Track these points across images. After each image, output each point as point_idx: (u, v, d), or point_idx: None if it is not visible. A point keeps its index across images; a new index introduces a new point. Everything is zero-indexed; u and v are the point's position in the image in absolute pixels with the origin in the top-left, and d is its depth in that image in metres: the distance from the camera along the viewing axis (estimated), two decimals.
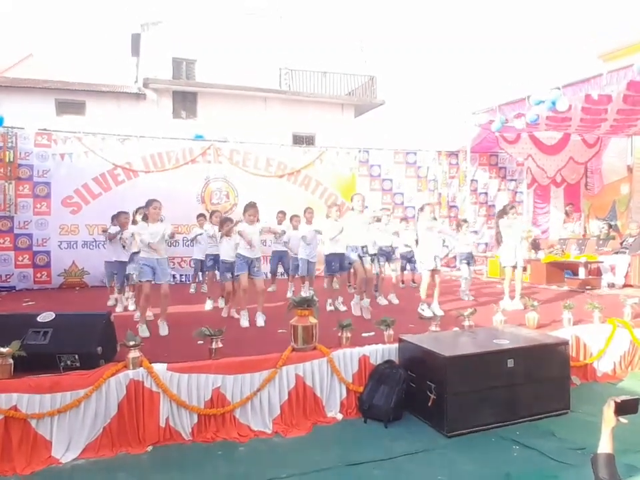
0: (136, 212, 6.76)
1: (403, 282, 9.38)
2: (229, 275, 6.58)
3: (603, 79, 7.86)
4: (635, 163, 12.98)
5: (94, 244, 9.93)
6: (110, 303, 7.58)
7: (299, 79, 20.46)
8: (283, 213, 9.11)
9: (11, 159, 9.42)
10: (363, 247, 6.50)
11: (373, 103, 21.30)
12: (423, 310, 6.42)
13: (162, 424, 3.93)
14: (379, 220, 7.65)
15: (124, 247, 7.09)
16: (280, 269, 9.23)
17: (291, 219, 8.61)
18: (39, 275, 9.70)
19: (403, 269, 9.13)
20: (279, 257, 8.93)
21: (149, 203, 5.72)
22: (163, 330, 5.52)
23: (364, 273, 6.55)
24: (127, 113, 17.84)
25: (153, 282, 5.58)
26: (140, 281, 5.69)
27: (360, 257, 6.46)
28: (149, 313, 6.09)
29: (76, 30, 50.96)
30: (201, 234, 8.25)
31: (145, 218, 5.74)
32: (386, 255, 7.96)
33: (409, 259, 8.76)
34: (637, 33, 12.73)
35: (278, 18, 20.32)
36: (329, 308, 6.92)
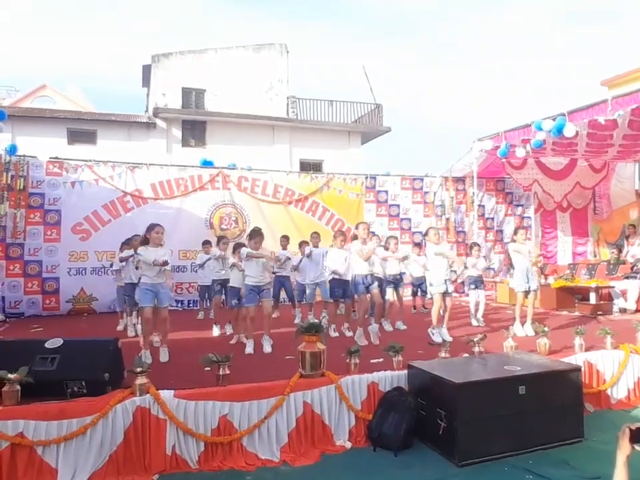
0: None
1: (414, 307, 9.30)
2: (234, 302, 6.57)
3: (607, 105, 7.91)
4: None
5: (102, 270, 9.94)
6: (119, 327, 7.57)
7: (306, 108, 20.77)
8: (286, 237, 9.12)
9: (22, 187, 9.55)
10: (368, 276, 6.47)
11: (380, 130, 21.53)
12: (433, 334, 6.36)
13: (168, 452, 3.87)
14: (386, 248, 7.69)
15: (137, 268, 7.06)
16: (282, 295, 9.11)
17: (300, 245, 8.55)
18: (47, 302, 9.73)
19: (415, 294, 9.04)
20: (282, 283, 8.69)
21: (151, 227, 5.64)
22: (164, 357, 5.45)
23: (369, 302, 6.53)
24: (137, 141, 18.15)
25: (154, 307, 5.49)
26: (142, 307, 5.62)
27: (367, 288, 6.43)
28: (155, 339, 6.07)
29: (89, 60, 52.28)
30: (209, 259, 8.22)
31: (146, 242, 5.64)
32: (394, 283, 7.81)
33: (419, 284, 8.65)
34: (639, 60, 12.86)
35: (285, 50, 20.75)
36: (333, 334, 6.86)
